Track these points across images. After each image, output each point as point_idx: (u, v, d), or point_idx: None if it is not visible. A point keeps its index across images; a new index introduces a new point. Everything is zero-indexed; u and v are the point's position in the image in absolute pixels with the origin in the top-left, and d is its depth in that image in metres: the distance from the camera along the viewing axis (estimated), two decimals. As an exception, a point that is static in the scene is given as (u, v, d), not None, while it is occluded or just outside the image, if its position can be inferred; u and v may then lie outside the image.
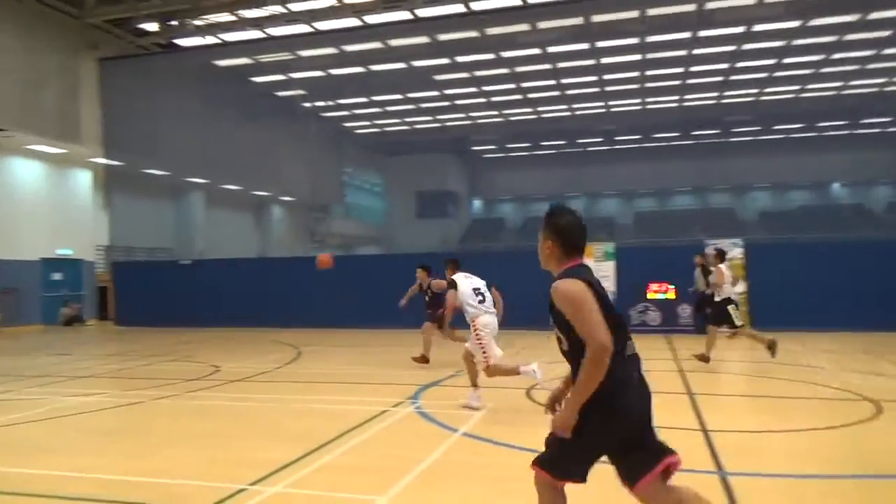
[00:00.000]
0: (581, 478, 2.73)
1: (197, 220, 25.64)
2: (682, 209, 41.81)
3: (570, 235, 2.84)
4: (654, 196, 44.51)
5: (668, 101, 32.19)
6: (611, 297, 3.18)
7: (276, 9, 19.74)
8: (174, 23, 21.54)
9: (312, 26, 20.81)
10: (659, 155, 39.10)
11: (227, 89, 24.02)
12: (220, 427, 6.53)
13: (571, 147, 41.16)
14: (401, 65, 25.34)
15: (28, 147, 20.97)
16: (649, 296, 15.24)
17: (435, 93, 29.66)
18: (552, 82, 28.35)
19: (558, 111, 33.85)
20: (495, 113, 33.68)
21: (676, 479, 2.76)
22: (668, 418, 5.13)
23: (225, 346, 14.22)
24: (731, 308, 9.36)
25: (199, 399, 8.07)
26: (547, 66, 25.94)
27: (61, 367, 11.38)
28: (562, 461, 2.73)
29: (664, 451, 2.71)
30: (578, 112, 33.68)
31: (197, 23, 21.32)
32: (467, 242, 39.33)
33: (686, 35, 22.66)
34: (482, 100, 31.05)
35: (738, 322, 9.41)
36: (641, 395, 2.73)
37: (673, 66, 26.16)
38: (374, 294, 17.56)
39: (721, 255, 9.83)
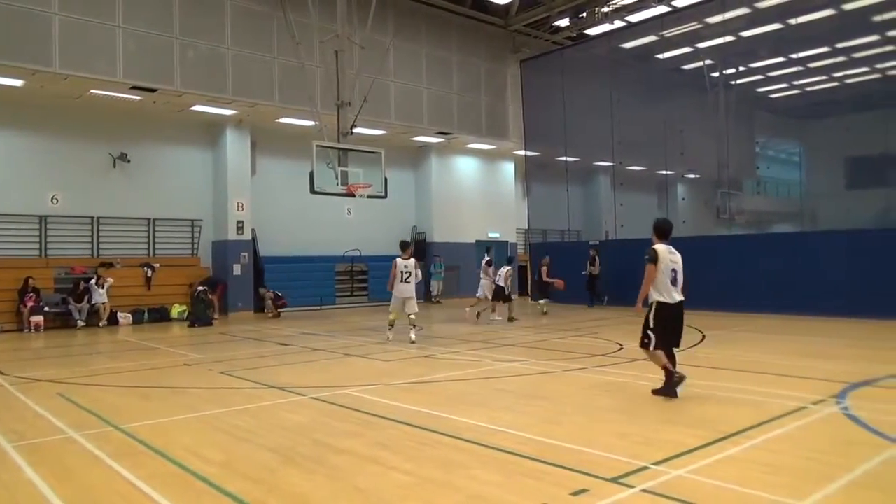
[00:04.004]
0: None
1: (602, 202, 26.76)
2: None
3: None
4: None
5: None
6: None
7: (681, -22, 19.31)
8: (584, 14, 22.82)
9: (721, -11, 19.82)
10: None
11: (631, 71, 24.29)
12: (625, 404, 6.81)
13: None
14: (828, 12, 22.20)
15: (467, 146, 24.92)
16: None
17: (874, 37, 25.00)
18: None
19: None
20: (961, 49, 26.54)
21: None
22: None
23: (628, 325, 14.60)
24: None
25: (605, 374, 8.53)
26: None
27: (491, 334, 13.27)
28: None
29: None
30: None
31: (604, 10, 22.15)
32: (917, 214, 31.99)
33: None
34: (941, 36, 24.89)
35: None
36: None
37: None
38: (788, 276, 15.90)
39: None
